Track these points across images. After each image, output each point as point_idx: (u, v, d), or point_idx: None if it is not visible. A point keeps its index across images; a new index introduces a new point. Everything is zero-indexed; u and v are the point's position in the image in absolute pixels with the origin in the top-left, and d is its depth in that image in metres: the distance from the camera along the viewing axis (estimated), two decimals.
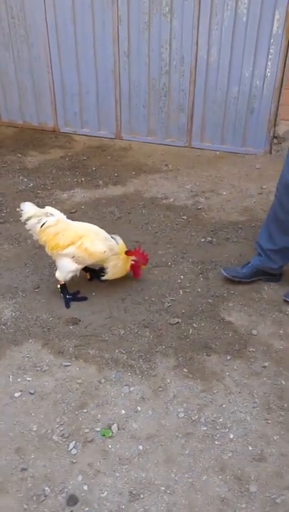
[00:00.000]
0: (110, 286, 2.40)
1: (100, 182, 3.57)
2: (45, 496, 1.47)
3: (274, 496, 1.47)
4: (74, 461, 1.57)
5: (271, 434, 1.66)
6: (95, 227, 2.32)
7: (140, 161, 3.93)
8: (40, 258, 2.65)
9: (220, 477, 1.53)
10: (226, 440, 1.64)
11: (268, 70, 3.61)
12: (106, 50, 3.93)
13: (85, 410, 1.75)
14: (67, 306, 2.29)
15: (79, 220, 3.02)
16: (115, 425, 1.69)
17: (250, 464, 1.57)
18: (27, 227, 2.22)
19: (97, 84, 4.11)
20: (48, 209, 2.26)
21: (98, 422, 1.71)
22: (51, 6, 3.88)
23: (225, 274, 2.39)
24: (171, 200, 3.32)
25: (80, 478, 1.52)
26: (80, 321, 2.20)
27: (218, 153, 4.01)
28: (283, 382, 1.87)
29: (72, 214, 3.11)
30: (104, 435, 1.65)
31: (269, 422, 1.71)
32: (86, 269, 2.40)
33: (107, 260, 2.26)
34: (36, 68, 4.21)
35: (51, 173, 3.71)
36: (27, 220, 2.20)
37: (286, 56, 3.51)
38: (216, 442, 1.63)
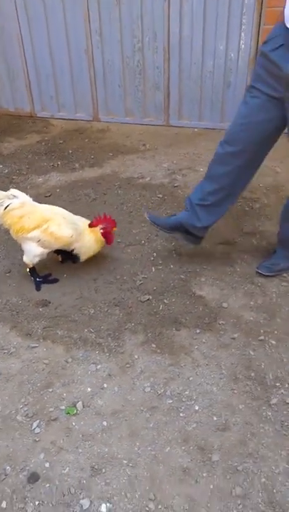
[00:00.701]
0: (82, 267, 2.38)
1: (77, 165, 3.52)
2: (5, 475, 1.46)
3: (236, 464, 1.46)
4: (37, 439, 1.56)
5: (236, 404, 1.65)
6: (63, 211, 2.27)
7: (118, 142, 3.88)
8: (13, 243, 2.60)
9: (183, 448, 1.51)
10: (190, 412, 1.63)
11: (241, 42, 3.53)
12: (77, 30, 3.84)
13: (50, 390, 1.73)
14: (38, 288, 2.26)
15: (53, 204, 2.99)
16: (80, 403, 1.68)
17: (214, 433, 1.55)
18: None
19: (71, 65, 4.03)
20: (12, 191, 2.22)
21: (63, 400, 1.69)
22: None
23: (147, 217, 2.31)
24: (148, 179, 3.27)
25: (42, 456, 1.51)
26: (50, 302, 2.18)
27: (196, 130, 3.95)
28: (251, 353, 1.85)
29: (47, 198, 3.08)
30: (68, 413, 1.64)
31: (235, 392, 1.69)
32: (57, 251, 2.37)
33: (74, 244, 2.22)
34: (9, 52, 4.13)
35: (27, 158, 3.66)
36: None
37: (259, 26, 3.42)
38: (181, 414, 1.62)
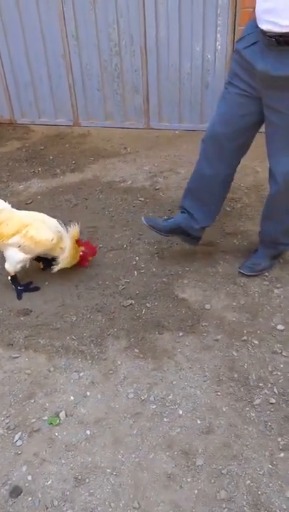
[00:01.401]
0: (64, 274, 2.35)
1: (58, 171, 3.50)
2: None
3: (220, 467, 1.45)
4: (19, 452, 1.54)
5: (220, 406, 1.64)
6: (42, 215, 2.25)
7: (99, 146, 3.86)
8: None
9: (167, 454, 1.50)
10: (174, 416, 1.61)
11: (218, 43, 3.54)
12: (54, 34, 3.82)
13: (32, 400, 1.71)
14: (19, 297, 2.24)
15: (34, 210, 2.97)
16: (63, 412, 1.65)
17: (198, 437, 1.54)
18: None
19: (49, 70, 4.00)
20: None
21: (46, 410, 1.67)
22: None
23: (144, 221, 2.32)
24: (129, 182, 3.26)
25: (24, 468, 1.49)
26: (31, 311, 2.15)
27: (177, 132, 3.95)
28: (234, 354, 1.84)
29: (28, 205, 3.05)
30: (51, 423, 1.62)
31: (219, 394, 1.68)
32: (38, 258, 2.34)
33: (56, 251, 2.20)
34: None
35: (7, 165, 3.63)
36: None
37: (234, 27, 3.44)
38: (165, 419, 1.61)
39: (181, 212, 2.30)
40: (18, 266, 2.20)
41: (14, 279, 2.25)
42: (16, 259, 2.17)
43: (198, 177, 2.19)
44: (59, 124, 4.22)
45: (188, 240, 2.34)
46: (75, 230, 2.23)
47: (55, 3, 3.68)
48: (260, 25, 1.75)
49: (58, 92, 4.08)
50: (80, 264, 2.32)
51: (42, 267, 2.39)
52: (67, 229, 2.22)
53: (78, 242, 2.25)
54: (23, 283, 2.29)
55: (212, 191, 2.18)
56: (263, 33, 1.73)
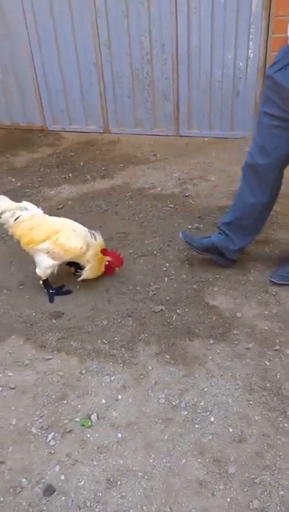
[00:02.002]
0: (95, 279, 2.39)
1: (88, 177, 3.56)
2: (21, 488, 1.46)
3: (253, 476, 1.44)
4: (52, 452, 1.56)
5: (252, 415, 1.63)
6: (73, 223, 2.28)
7: (129, 153, 3.91)
8: (26, 255, 2.62)
9: (199, 460, 1.50)
10: (206, 423, 1.61)
11: (250, 51, 3.55)
12: (87, 43, 3.91)
13: (65, 402, 1.74)
14: (51, 300, 2.28)
15: (65, 216, 3.03)
16: (95, 415, 1.67)
17: (230, 445, 1.53)
18: (1, 221, 2.21)
19: (81, 78, 4.09)
20: (24, 203, 2.25)
21: (78, 412, 1.69)
22: (29, 2, 3.88)
23: (181, 236, 2.36)
24: (159, 189, 3.29)
25: (57, 468, 1.51)
26: (63, 314, 2.19)
27: (206, 139, 3.96)
28: (267, 363, 1.83)
29: (59, 210, 3.11)
30: (83, 425, 1.64)
31: (251, 403, 1.67)
32: (70, 263, 2.38)
33: (84, 259, 2.23)
34: (19, 67, 4.22)
35: (39, 171, 3.71)
36: (1, 214, 2.19)
37: (267, 35, 3.44)
38: (196, 426, 1.61)
39: (219, 232, 2.33)
40: (48, 271, 2.24)
41: (46, 282, 2.30)
42: (45, 265, 2.21)
43: (240, 203, 2.21)
44: (89, 130, 4.30)
45: (222, 261, 2.36)
46: (99, 240, 2.25)
47: (88, 13, 3.77)
48: None
49: (89, 99, 4.17)
50: (106, 272, 2.34)
51: (73, 271, 2.43)
52: (94, 237, 2.25)
53: (104, 252, 2.28)
54: (55, 286, 2.33)
55: (253, 218, 2.21)
56: None
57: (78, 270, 2.30)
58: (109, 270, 2.34)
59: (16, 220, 2.17)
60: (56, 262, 2.22)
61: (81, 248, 2.18)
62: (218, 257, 2.35)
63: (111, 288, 2.34)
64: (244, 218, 2.21)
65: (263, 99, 1.98)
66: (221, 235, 2.30)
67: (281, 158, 2.03)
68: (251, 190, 2.14)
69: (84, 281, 2.28)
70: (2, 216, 2.19)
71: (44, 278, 2.27)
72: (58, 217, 2.31)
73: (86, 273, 2.26)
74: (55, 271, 2.26)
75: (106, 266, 2.31)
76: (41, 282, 2.30)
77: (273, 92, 1.89)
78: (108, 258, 2.30)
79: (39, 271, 2.24)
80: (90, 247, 2.22)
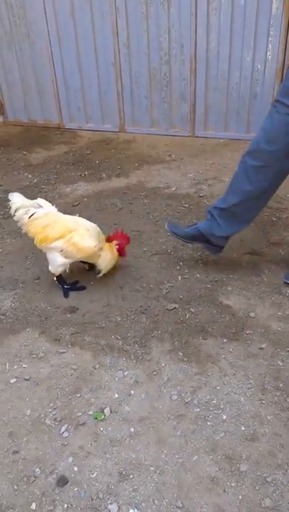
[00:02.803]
0: (109, 275, 2.41)
1: (103, 175, 3.59)
2: (35, 477, 1.48)
3: (265, 475, 1.44)
4: (65, 443, 1.58)
5: (265, 414, 1.63)
6: (86, 222, 2.29)
7: (144, 152, 3.93)
8: (41, 250, 2.68)
9: (210, 457, 1.51)
10: (218, 421, 1.62)
11: (268, 53, 3.55)
12: (106, 43, 3.94)
13: (78, 395, 1.76)
14: (66, 296, 2.30)
15: (80, 213, 3.05)
16: (108, 409, 1.69)
17: (242, 443, 1.54)
18: (15, 218, 2.22)
19: (99, 77, 4.12)
20: (38, 201, 2.27)
21: (91, 405, 1.71)
22: (50, 2, 3.92)
23: (167, 226, 2.35)
24: (174, 189, 3.30)
25: (70, 459, 1.53)
26: (77, 309, 2.22)
27: (222, 140, 3.97)
28: (280, 363, 1.83)
29: (75, 207, 3.14)
30: (96, 418, 1.66)
31: (263, 402, 1.68)
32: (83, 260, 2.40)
33: (95, 257, 2.24)
34: (39, 65, 4.26)
35: (55, 168, 3.75)
36: (16, 211, 2.21)
37: (287, 37, 3.44)
38: (208, 423, 1.61)
39: (207, 218, 2.28)
40: (60, 269, 2.26)
41: (60, 278, 2.32)
42: (57, 263, 2.23)
43: (236, 190, 2.14)
44: (105, 129, 4.33)
45: (210, 248, 2.33)
46: (99, 233, 2.24)
47: (109, 13, 3.80)
48: None
49: (106, 98, 4.19)
50: (120, 255, 2.33)
51: (87, 268, 2.45)
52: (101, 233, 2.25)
53: (109, 238, 2.29)
54: (69, 282, 2.36)
55: (247, 207, 2.15)
56: None
57: (91, 267, 2.32)
58: (121, 252, 2.32)
59: (30, 217, 2.18)
60: (68, 261, 2.23)
61: (94, 247, 2.19)
62: (205, 245, 2.32)
63: (125, 285, 2.35)
64: (237, 205, 2.14)
65: (282, 89, 1.94)
66: (207, 221, 2.25)
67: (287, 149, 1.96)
68: (248, 177, 2.07)
69: (101, 276, 2.30)
70: (16, 213, 2.21)
71: (57, 274, 2.29)
72: (71, 216, 2.33)
73: (104, 268, 2.27)
74: (67, 269, 2.28)
75: (118, 249, 2.30)
76: (55, 278, 2.32)
77: None
78: (115, 241, 2.29)
79: (51, 268, 2.26)
80: (102, 244, 2.24)
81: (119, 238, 2.30)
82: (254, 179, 2.06)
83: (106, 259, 2.27)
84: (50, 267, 2.27)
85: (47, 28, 4.04)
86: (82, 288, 2.35)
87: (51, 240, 2.18)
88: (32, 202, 2.24)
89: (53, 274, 2.30)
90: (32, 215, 2.19)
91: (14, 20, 4.10)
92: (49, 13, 3.96)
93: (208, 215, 2.29)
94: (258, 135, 2.06)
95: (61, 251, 2.19)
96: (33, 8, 3.99)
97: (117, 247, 2.30)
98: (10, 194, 2.25)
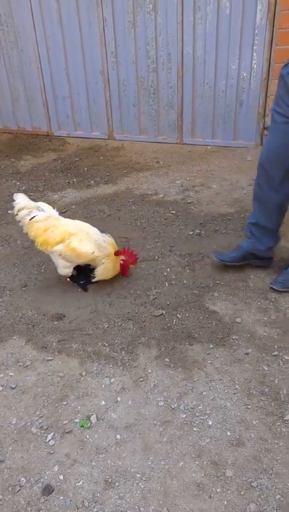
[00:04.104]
0: (96, 282, 2.41)
1: (92, 182, 3.60)
2: (20, 487, 1.47)
3: (250, 480, 1.45)
4: (51, 452, 1.57)
5: (250, 419, 1.64)
6: (87, 226, 2.29)
7: (132, 159, 3.95)
8: (29, 258, 2.68)
9: (196, 463, 1.51)
10: (204, 426, 1.62)
11: (254, 62, 3.60)
12: (94, 52, 3.98)
13: (64, 403, 1.75)
14: (86, 289, 2.34)
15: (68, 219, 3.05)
16: (94, 416, 1.69)
17: (228, 449, 1.55)
18: (17, 218, 2.22)
19: (87, 85, 4.15)
20: (40, 204, 2.26)
21: (77, 413, 1.71)
22: (38, 11, 3.95)
23: (214, 257, 2.40)
24: (161, 195, 3.33)
25: (56, 468, 1.52)
26: (64, 316, 2.21)
27: (209, 147, 4.01)
28: (265, 368, 1.84)
29: (63, 214, 3.14)
30: (82, 426, 1.65)
31: (249, 407, 1.69)
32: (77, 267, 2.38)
33: (97, 261, 2.25)
34: (27, 73, 4.28)
35: (44, 175, 3.76)
36: (18, 211, 2.20)
37: (271, 47, 3.49)
38: (195, 429, 1.62)
39: (248, 237, 2.40)
40: (65, 271, 2.27)
41: (72, 278, 2.35)
42: (61, 265, 2.26)
43: (255, 201, 2.30)
44: (94, 137, 4.36)
45: (261, 263, 2.42)
46: (111, 241, 2.28)
47: (96, 22, 3.84)
48: None
49: (95, 106, 4.22)
50: (122, 272, 2.36)
51: (69, 278, 2.42)
52: (106, 239, 2.27)
53: (118, 253, 2.30)
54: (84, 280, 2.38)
55: (267, 215, 2.26)
56: None
57: (92, 275, 2.32)
58: (124, 270, 2.34)
59: (31, 219, 2.18)
60: (71, 264, 2.24)
61: (92, 253, 2.20)
62: (255, 261, 2.41)
63: (112, 292, 2.36)
64: (259, 214, 2.28)
65: (276, 97, 2.04)
66: (248, 239, 2.38)
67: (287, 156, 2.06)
68: (260, 188, 2.22)
69: (97, 282, 2.32)
70: (19, 214, 2.21)
71: (67, 277, 2.33)
72: (72, 220, 2.33)
73: (99, 274, 2.28)
74: (71, 271, 2.30)
75: (121, 265, 2.31)
76: (68, 280, 2.35)
77: (286, 91, 1.95)
78: (122, 257, 2.30)
79: (60, 271, 2.29)
80: (102, 251, 2.23)
81: (126, 255, 2.31)
82: (265, 189, 2.20)
83: (106, 268, 2.27)
84: (58, 271, 2.30)
85: (35, 36, 4.06)
86: (95, 282, 2.37)
87: (52, 244, 2.19)
88: (35, 204, 2.24)
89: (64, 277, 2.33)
90: (33, 217, 2.19)
91: (2, 29, 4.12)
92: (37, 21, 3.99)
93: (247, 233, 2.41)
94: (263, 146, 2.20)
95: (60, 255, 2.19)
96: (22, 17, 4.02)
97: (121, 262, 2.32)
98: (14, 194, 2.26)
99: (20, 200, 2.24)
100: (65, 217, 3.00)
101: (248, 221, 2.39)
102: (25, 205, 2.23)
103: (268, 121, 3.72)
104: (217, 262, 2.40)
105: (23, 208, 2.22)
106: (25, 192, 3.47)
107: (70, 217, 3.04)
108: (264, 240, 2.33)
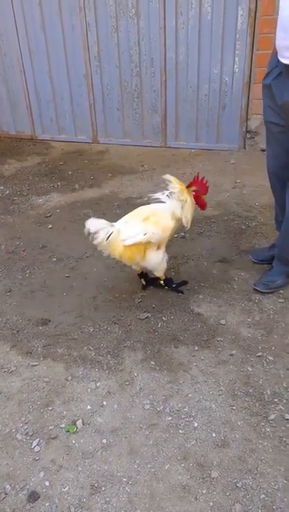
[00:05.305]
0: (82, 286, 2.41)
1: (76, 186, 3.59)
2: (5, 494, 1.46)
3: (235, 481, 1.46)
4: (37, 458, 1.57)
5: (235, 420, 1.65)
6: (150, 207, 2.16)
7: (117, 163, 3.96)
8: (14, 263, 2.66)
9: (182, 465, 1.52)
10: (190, 429, 1.63)
11: (235, 66, 3.65)
12: (77, 56, 3.98)
13: (50, 408, 1.74)
14: (182, 292, 2.31)
15: (53, 224, 3.05)
16: (80, 421, 1.68)
17: (213, 450, 1.56)
18: (97, 244, 2.04)
19: (71, 89, 4.15)
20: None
21: (63, 418, 1.70)
22: (20, 15, 3.94)
23: (253, 259, 2.50)
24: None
25: (42, 474, 1.51)
26: (49, 321, 2.20)
27: (193, 151, 4.04)
28: (249, 369, 1.86)
29: (47, 218, 3.13)
30: (68, 431, 1.65)
31: (234, 408, 1.70)
32: (142, 274, 2.35)
33: (181, 220, 2.12)
34: (10, 77, 4.26)
35: (28, 179, 3.74)
36: (94, 237, 2.03)
37: (252, 51, 3.54)
38: (180, 431, 1.63)
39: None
40: (163, 265, 2.18)
41: (167, 281, 2.30)
42: (157, 261, 2.14)
43: (276, 205, 2.42)
44: (78, 140, 4.35)
45: None
46: (173, 180, 2.11)
47: (79, 26, 3.84)
48: (281, 60, 1.84)
49: (79, 110, 4.22)
50: (200, 207, 2.18)
51: (143, 284, 2.37)
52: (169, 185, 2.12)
53: (189, 184, 2.13)
54: (176, 281, 2.35)
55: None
56: (286, 66, 1.83)
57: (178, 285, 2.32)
58: (200, 203, 2.16)
59: (107, 239, 2.01)
60: (163, 250, 2.14)
61: (174, 214, 2.08)
62: None
63: (97, 295, 2.36)
64: (280, 217, 2.38)
65: (264, 108, 2.11)
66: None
67: (282, 164, 2.18)
68: (275, 193, 2.37)
69: (75, 285, 2.28)
70: (96, 239, 2.03)
71: (164, 277, 2.27)
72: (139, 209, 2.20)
73: (187, 220, 2.14)
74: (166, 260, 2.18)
75: (195, 198, 2.14)
76: (162, 283, 2.30)
77: (271, 99, 2.01)
78: (194, 188, 2.12)
79: (157, 272, 2.22)
80: (177, 211, 2.10)
81: (197, 185, 2.11)
82: (278, 194, 2.34)
83: (188, 205, 2.11)
84: (156, 273, 2.23)
85: (18, 40, 4.05)
86: (185, 282, 2.37)
87: (143, 239, 2.02)
88: (106, 222, 2.07)
89: (160, 278, 2.26)
90: (109, 237, 2.01)
91: None
92: (20, 25, 3.98)
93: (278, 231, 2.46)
94: (266, 154, 2.33)
95: (151, 241, 2.05)
96: (4, 21, 4.00)
97: (193, 193, 2.13)
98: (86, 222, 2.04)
99: (90, 225, 2.02)
100: (50, 221, 3.00)
101: (277, 219, 2.46)
102: (97, 228, 2.03)
103: (251, 124, 3.79)
104: (256, 262, 2.47)
105: (97, 232, 2.02)
106: (9, 196, 3.47)
107: (55, 221, 3.05)
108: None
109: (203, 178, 2.14)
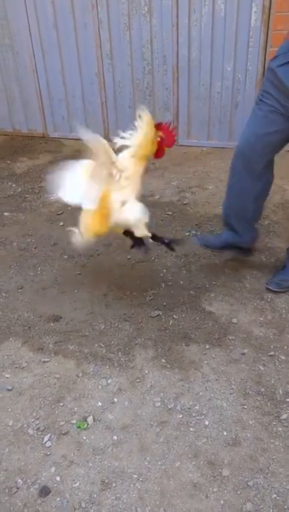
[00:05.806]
0: (93, 283, 2.42)
1: None
2: (17, 488, 1.47)
3: (246, 479, 1.45)
4: (48, 453, 1.57)
5: (247, 419, 1.64)
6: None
7: None
8: (25, 260, 2.68)
9: (193, 463, 1.51)
10: (200, 427, 1.63)
11: (248, 63, 3.62)
12: (89, 54, 3.98)
13: (61, 404, 1.75)
14: (174, 250, 2.22)
15: (65, 221, 3.06)
16: (91, 417, 1.69)
17: (224, 448, 1.55)
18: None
19: (83, 87, 4.16)
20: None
21: (74, 414, 1.71)
22: (33, 13, 3.95)
23: (197, 242, 2.39)
24: (157, 197, 3.33)
25: (53, 469, 1.52)
26: (61, 318, 2.21)
27: (205, 149, 4.02)
28: (261, 368, 1.85)
29: (59, 215, 3.15)
30: (79, 427, 1.65)
31: (245, 407, 1.69)
32: (127, 232, 2.11)
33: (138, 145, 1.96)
34: (23, 76, 4.28)
35: (40, 177, 3.75)
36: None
37: (266, 48, 3.51)
38: (191, 429, 1.62)
39: (228, 229, 2.37)
40: (144, 219, 1.98)
41: (155, 237, 2.11)
42: (139, 210, 1.99)
43: (231, 194, 2.26)
44: None
45: (241, 252, 2.42)
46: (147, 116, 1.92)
47: (91, 24, 3.84)
48: None
49: (90, 108, 4.22)
50: (156, 155, 2.03)
51: (131, 245, 2.19)
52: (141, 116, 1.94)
53: (158, 126, 1.96)
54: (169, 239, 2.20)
55: (245, 207, 2.24)
56: None
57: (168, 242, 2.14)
58: (159, 150, 2.01)
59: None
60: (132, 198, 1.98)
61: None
62: (236, 251, 2.40)
63: (109, 293, 2.36)
64: (237, 207, 2.25)
65: (262, 90, 2.00)
66: (229, 231, 2.34)
67: (272, 144, 2.04)
68: (239, 178, 2.16)
69: (86, 282, 2.28)
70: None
71: (150, 234, 2.05)
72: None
73: (137, 146, 1.97)
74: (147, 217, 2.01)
75: (157, 143, 1.99)
76: (151, 241, 2.10)
77: (274, 85, 1.93)
78: (160, 134, 1.97)
79: (139, 231, 1.98)
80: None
81: (165, 133, 1.96)
82: (243, 179, 2.18)
83: (147, 138, 1.95)
84: (137, 233, 1.99)
85: (30, 39, 4.06)
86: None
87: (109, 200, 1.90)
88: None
89: (146, 236, 2.04)
90: None
91: None
92: (32, 24, 3.99)
93: (224, 224, 2.39)
94: (242, 136, 2.13)
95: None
96: (16, 20, 4.02)
97: (158, 139, 1.97)
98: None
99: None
100: (62, 219, 3.00)
101: (223, 215, 2.34)
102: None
103: None
104: (199, 245, 2.38)
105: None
106: (21, 194, 3.49)
107: (67, 218, 3.06)
108: (241, 233, 2.29)
109: (173, 130, 2.00)
